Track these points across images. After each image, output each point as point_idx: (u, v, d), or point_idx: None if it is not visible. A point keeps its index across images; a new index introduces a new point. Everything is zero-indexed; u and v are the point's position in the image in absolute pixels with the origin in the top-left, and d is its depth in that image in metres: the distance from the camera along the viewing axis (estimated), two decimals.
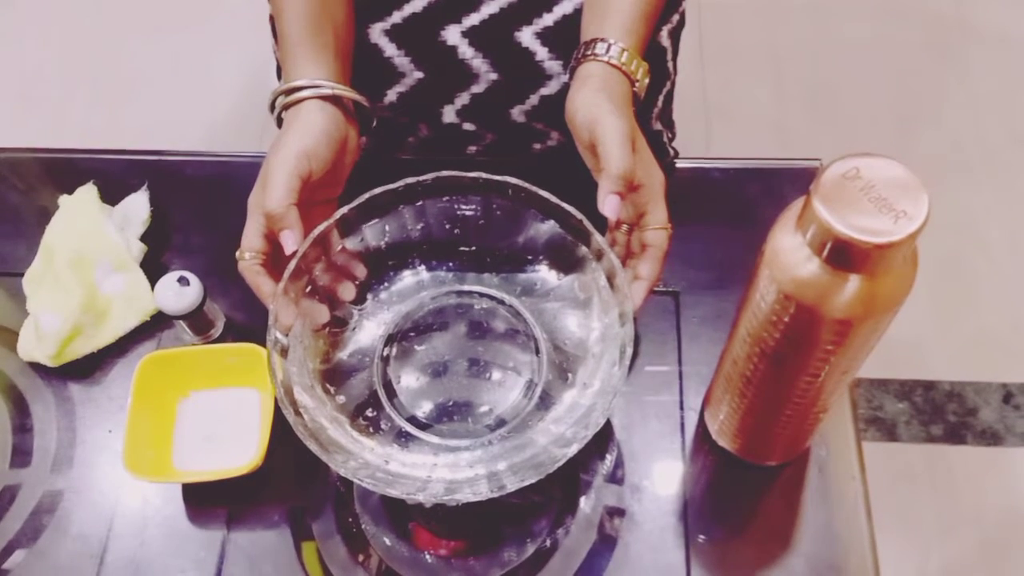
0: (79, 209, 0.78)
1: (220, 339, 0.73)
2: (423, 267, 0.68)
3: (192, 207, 0.82)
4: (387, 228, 0.65)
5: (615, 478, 0.67)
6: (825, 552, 0.64)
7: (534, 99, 0.78)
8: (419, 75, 0.78)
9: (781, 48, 1.75)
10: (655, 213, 0.63)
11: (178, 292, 0.69)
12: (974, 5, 1.79)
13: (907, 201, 0.44)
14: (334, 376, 0.63)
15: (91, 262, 0.75)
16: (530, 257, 0.66)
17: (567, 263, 0.64)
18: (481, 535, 0.65)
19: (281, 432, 0.60)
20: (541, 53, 0.76)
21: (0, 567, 0.66)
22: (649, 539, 0.65)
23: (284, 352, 0.59)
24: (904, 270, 0.47)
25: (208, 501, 0.68)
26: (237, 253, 0.63)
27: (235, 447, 0.67)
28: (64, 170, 0.85)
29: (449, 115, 0.80)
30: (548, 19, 0.77)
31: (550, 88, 0.77)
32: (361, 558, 0.65)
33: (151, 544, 0.66)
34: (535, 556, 0.64)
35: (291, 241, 0.60)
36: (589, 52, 0.66)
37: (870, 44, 1.76)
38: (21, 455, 0.70)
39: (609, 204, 0.59)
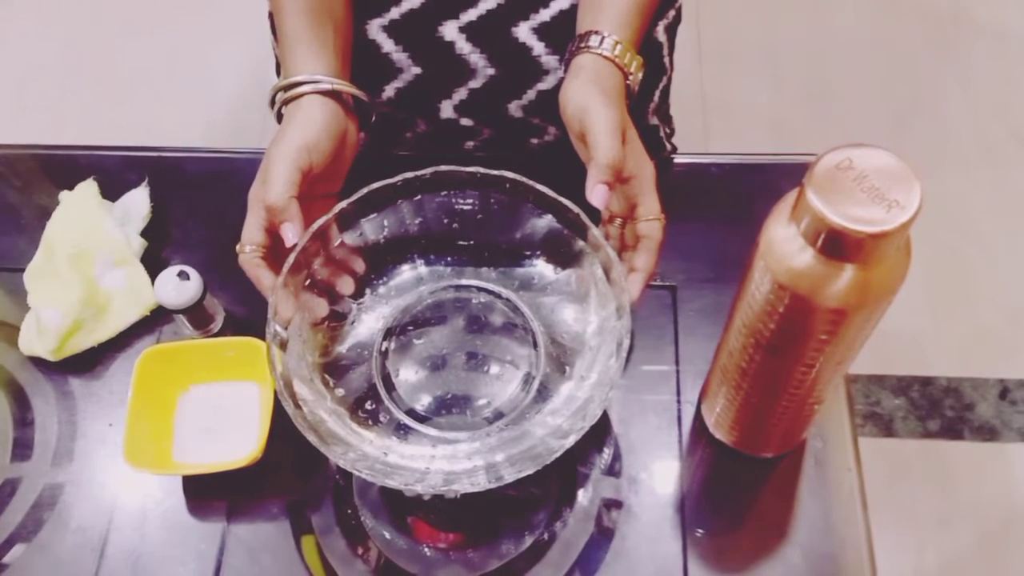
0: (79, 205, 0.78)
1: (220, 333, 0.74)
2: (421, 261, 0.68)
3: (192, 203, 0.82)
4: (385, 223, 0.65)
5: (612, 471, 0.67)
6: (821, 543, 0.64)
7: (531, 94, 0.78)
8: (417, 71, 0.78)
9: (778, 44, 1.76)
10: (647, 204, 0.63)
11: (178, 286, 0.69)
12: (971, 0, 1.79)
13: (900, 191, 0.44)
14: (333, 369, 0.63)
15: (91, 257, 0.75)
16: (528, 251, 0.66)
17: (564, 257, 0.65)
18: (479, 528, 0.66)
19: (281, 425, 0.61)
20: (538, 48, 0.76)
21: (0, 561, 0.66)
22: (646, 531, 0.65)
23: (283, 345, 0.59)
24: (898, 260, 0.47)
25: (208, 494, 0.68)
26: (237, 246, 0.63)
27: (235, 440, 0.67)
28: (64, 166, 0.85)
29: (447, 110, 0.80)
30: (545, 14, 0.77)
31: (547, 83, 0.77)
32: (360, 550, 0.65)
33: (151, 537, 0.67)
34: (533, 548, 0.64)
35: (292, 233, 0.60)
36: (583, 44, 0.66)
37: (867, 39, 1.76)
38: (22, 449, 0.71)
39: (597, 193, 0.59)
